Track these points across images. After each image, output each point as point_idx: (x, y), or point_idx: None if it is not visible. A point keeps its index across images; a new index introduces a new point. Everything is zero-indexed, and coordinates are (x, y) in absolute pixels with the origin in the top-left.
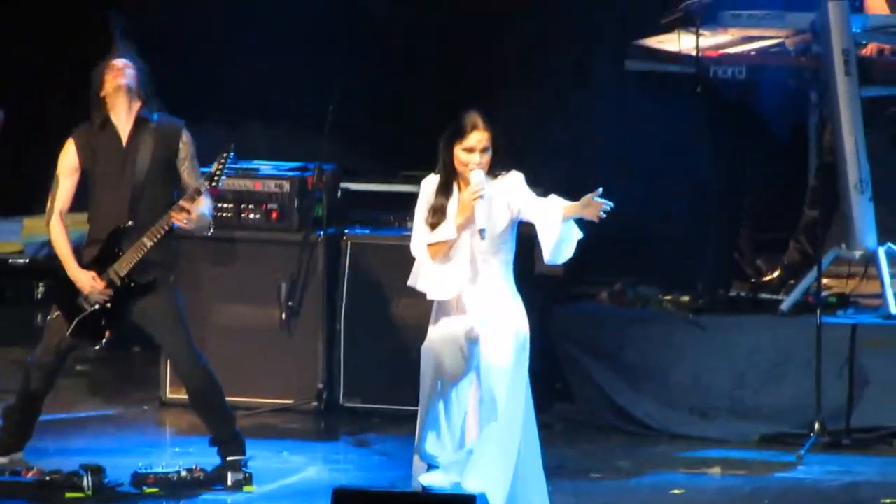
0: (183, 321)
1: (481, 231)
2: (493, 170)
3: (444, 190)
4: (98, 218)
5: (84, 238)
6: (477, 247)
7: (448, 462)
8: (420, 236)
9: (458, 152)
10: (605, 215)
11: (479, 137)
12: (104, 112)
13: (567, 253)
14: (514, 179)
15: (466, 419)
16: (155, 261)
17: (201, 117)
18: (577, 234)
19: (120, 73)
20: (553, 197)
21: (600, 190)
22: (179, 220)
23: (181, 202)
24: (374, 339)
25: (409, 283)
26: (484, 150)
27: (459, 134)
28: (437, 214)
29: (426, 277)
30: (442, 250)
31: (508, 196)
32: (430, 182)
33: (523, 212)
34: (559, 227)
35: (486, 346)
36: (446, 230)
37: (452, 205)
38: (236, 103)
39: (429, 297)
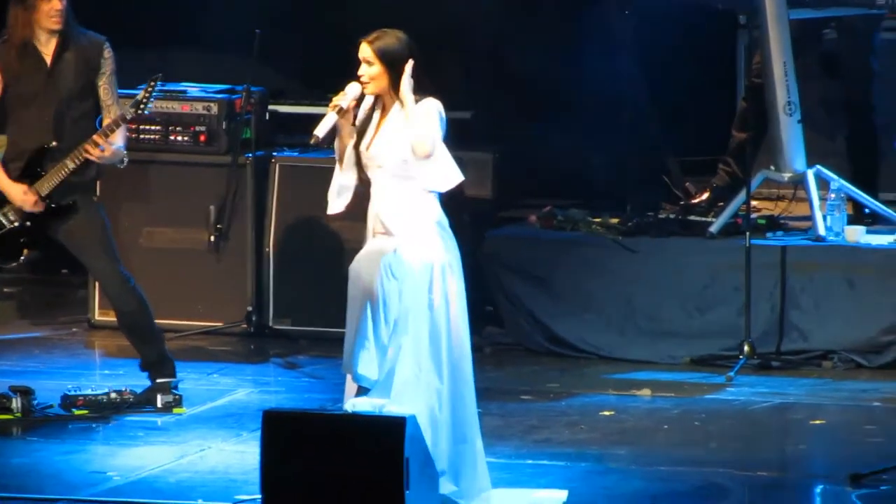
0: (109, 242)
1: (314, 136)
2: (399, 92)
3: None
4: (20, 137)
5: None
6: (378, 170)
7: (376, 384)
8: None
9: None
10: None
11: (361, 49)
12: (24, 34)
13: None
14: (426, 108)
15: (392, 340)
16: (76, 183)
17: (129, 40)
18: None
19: (57, 18)
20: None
21: None
22: (93, 154)
23: (95, 137)
24: (303, 262)
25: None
26: (367, 62)
27: None
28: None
29: (331, 188)
30: (340, 159)
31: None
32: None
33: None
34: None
35: (409, 267)
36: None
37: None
38: (164, 26)
39: (328, 211)
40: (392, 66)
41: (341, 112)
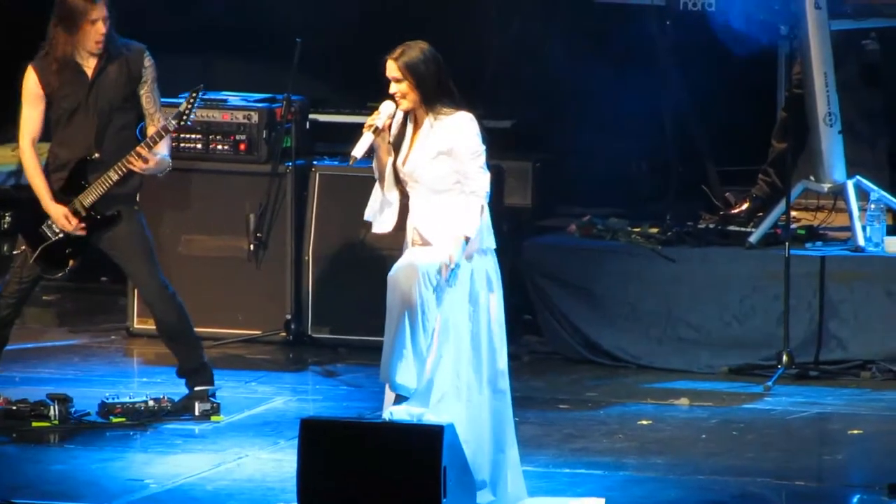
0: (150, 250)
1: (351, 158)
2: (432, 106)
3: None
4: (63, 149)
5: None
6: (415, 185)
7: (416, 393)
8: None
9: None
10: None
11: (388, 66)
12: (65, 51)
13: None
14: (459, 124)
15: (431, 349)
16: (119, 193)
17: (170, 49)
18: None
19: (100, 39)
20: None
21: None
22: (137, 166)
23: (138, 148)
24: (341, 270)
25: (365, 215)
26: (395, 80)
27: None
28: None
29: (370, 208)
30: (379, 179)
31: (449, 141)
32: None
33: (454, 165)
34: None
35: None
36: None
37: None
38: (206, 35)
39: (372, 230)
40: (420, 80)
41: (377, 132)
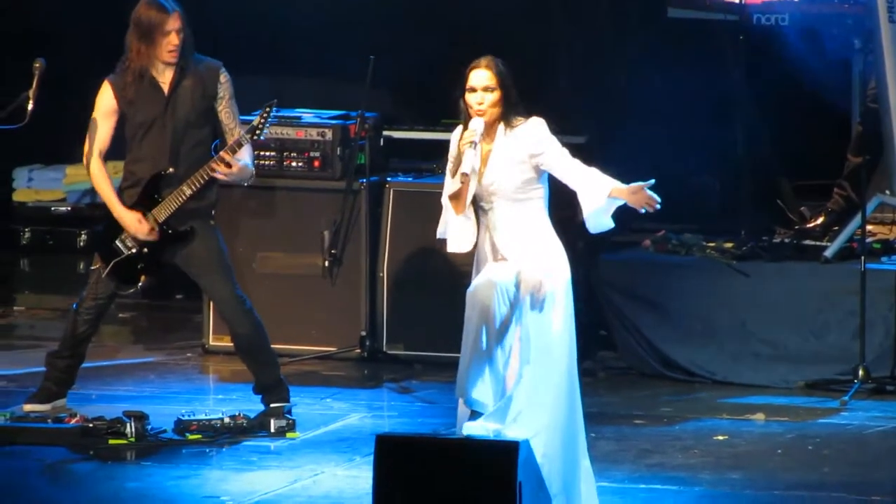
0: (226, 265)
1: (464, 175)
2: (508, 117)
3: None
4: (138, 166)
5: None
6: (493, 197)
7: (492, 409)
8: (445, 188)
9: (466, 97)
10: (651, 211)
11: (479, 76)
12: (142, 63)
13: (605, 226)
14: (534, 128)
15: (509, 365)
16: (193, 209)
17: (245, 67)
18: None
19: (174, 51)
20: (594, 170)
21: (652, 181)
22: (220, 172)
23: (222, 153)
24: (416, 287)
25: (438, 234)
26: (487, 90)
27: (465, 78)
28: (456, 164)
29: (449, 230)
30: (461, 202)
31: (528, 146)
32: (456, 133)
33: (547, 166)
34: (603, 202)
35: (525, 292)
36: (454, 182)
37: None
38: (278, 52)
39: (448, 249)
40: (508, 90)
41: (474, 146)
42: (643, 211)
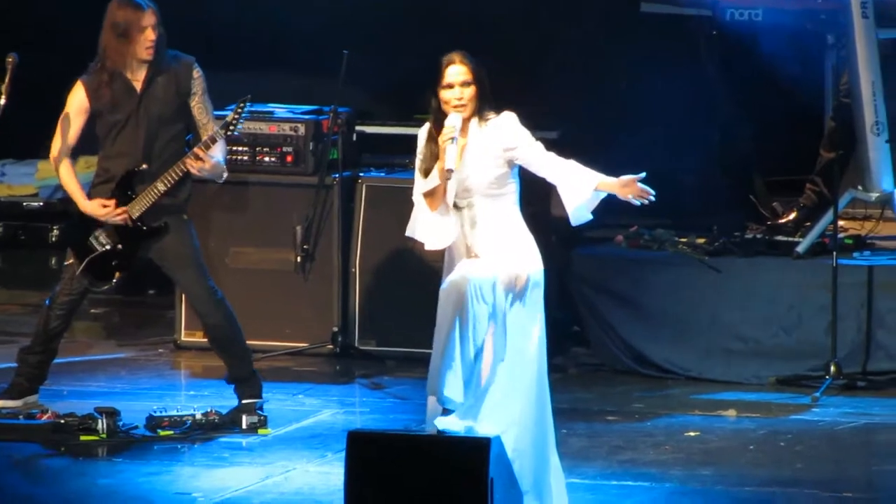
0: (198, 258)
1: (448, 171)
2: (482, 111)
3: (435, 136)
4: (111, 160)
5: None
6: (468, 193)
7: (463, 405)
8: (416, 186)
9: (441, 93)
10: (646, 203)
11: (455, 71)
12: (116, 62)
13: (585, 219)
14: (507, 122)
15: (482, 362)
16: (167, 205)
17: (218, 62)
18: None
19: (151, 48)
20: (573, 162)
21: (643, 175)
22: (193, 167)
23: (196, 149)
24: (388, 282)
25: (407, 232)
26: (464, 84)
27: (438, 73)
28: (428, 161)
29: (422, 227)
30: (437, 199)
31: (501, 141)
32: (424, 129)
33: (523, 160)
34: (589, 196)
35: (500, 289)
36: (431, 179)
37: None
38: (252, 47)
39: (426, 247)
40: (482, 84)
41: (454, 142)
42: (638, 203)
